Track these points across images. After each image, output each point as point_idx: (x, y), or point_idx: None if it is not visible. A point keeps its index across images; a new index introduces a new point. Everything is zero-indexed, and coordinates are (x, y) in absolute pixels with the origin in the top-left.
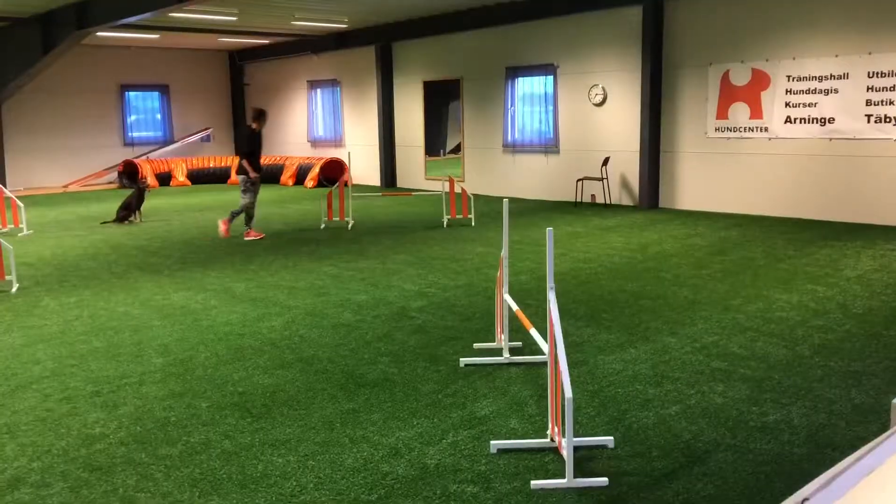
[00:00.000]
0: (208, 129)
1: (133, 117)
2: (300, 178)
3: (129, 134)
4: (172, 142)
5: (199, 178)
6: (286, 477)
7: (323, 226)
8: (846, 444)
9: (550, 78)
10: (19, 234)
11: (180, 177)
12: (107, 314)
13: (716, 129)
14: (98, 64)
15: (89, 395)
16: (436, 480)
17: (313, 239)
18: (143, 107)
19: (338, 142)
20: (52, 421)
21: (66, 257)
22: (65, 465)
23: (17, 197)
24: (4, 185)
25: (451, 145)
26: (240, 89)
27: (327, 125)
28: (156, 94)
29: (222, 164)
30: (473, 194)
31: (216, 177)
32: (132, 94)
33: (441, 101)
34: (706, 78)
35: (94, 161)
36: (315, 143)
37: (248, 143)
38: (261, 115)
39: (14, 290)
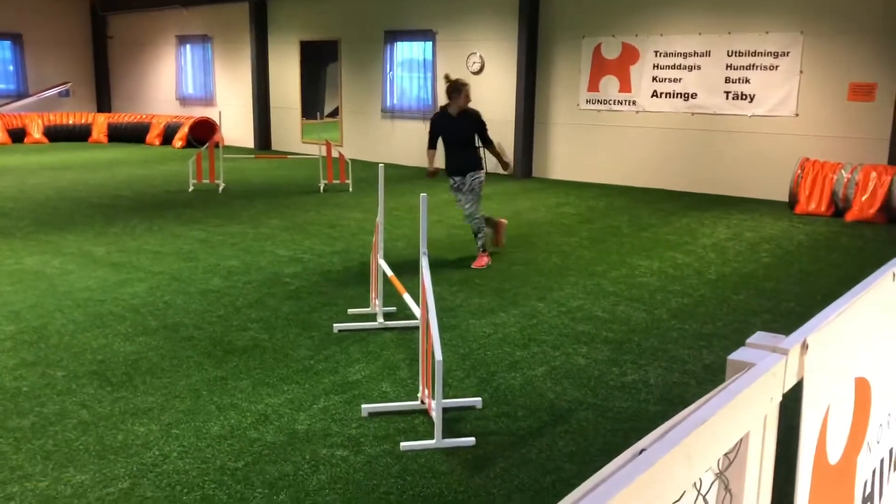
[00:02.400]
0: (67, 83)
1: None
2: (168, 137)
3: None
4: (27, 96)
5: (58, 135)
6: (148, 446)
7: (191, 188)
8: (696, 400)
9: (429, 44)
10: None
11: (36, 134)
12: None
13: (587, 101)
14: None
15: None
16: (305, 445)
17: (181, 202)
18: None
19: (208, 100)
20: None
21: None
22: None
23: None
24: None
25: (328, 108)
26: (102, 42)
27: (197, 83)
28: (6, 42)
29: (83, 122)
30: (351, 159)
31: (77, 134)
32: None
33: (319, 62)
34: (579, 50)
35: None
36: (184, 101)
37: (476, 126)
38: (459, 89)
39: None
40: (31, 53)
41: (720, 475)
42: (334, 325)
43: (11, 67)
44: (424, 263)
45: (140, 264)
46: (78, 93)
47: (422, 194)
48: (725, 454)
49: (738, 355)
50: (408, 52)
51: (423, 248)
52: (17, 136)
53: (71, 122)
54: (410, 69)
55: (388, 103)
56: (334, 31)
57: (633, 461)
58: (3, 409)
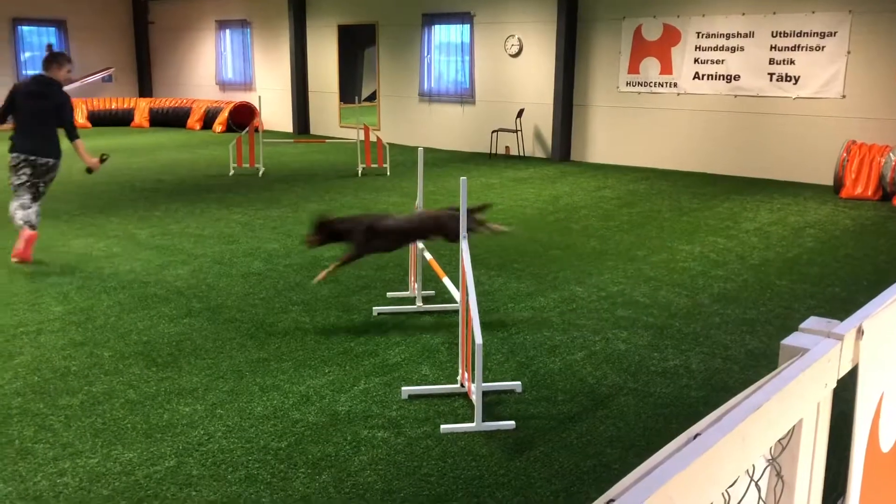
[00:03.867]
0: (110, 68)
1: (27, 54)
2: (208, 122)
3: (24, 72)
4: (71, 81)
5: (101, 120)
6: (193, 426)
7: (232, 172)
8: (739, 387)
9: (467, 27)
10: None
11: (80, 119)
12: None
13: (627, 84)
14: None
15: None
16: (346, 427)
17: (222, 186)
18: (39, 43)
19: (248, 85)
20: None
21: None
22: None
23: None
24: None
25: (366, 93)
26: (144, 28)
27: (237, 68)
28: (52, 29)
29: (126, 107)
30: (389, 143)
31: (119, 119)
32: (25, 28)
33: (357, 46)
34: (619, 32)
35: None
36: (224, 86)
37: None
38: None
39: None
40: (74, 39)
41: (773, 462)
42: (373, 308)
43: None
44: (464, 247)
45: (183, 247)
46: (120, 78)
47: (461, 178)
48: (778, 440)
49: (791, 340)
50: (445, 35)
51: (462, 232)
52: None
53: (114, 107)
54: (448, 52)
55: (426, 87)
56: (372, 14)
57: (687, 445)
58: (54, 387)
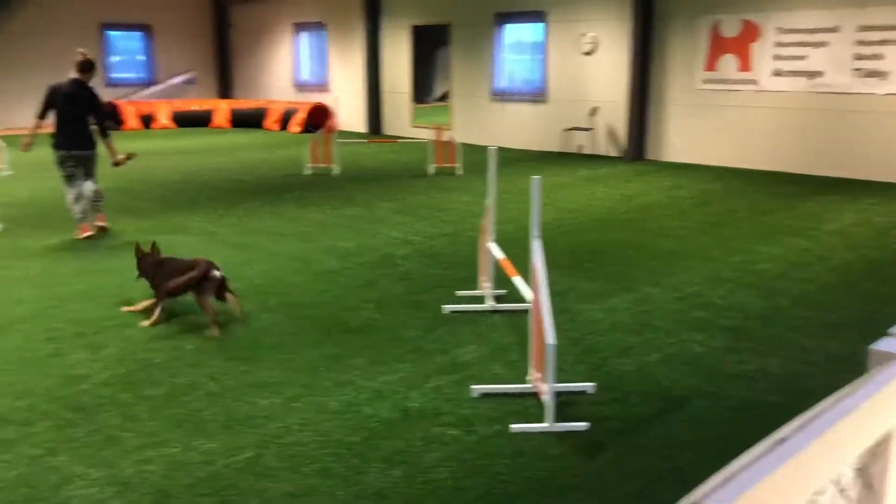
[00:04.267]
0: (192, 71)
1: (115, 58)
2: (285, 122)
3: (111, 75)
4: (156, 84)
5: (184, 120)
6: (271, 418)
7: (308, 172)
8: (821, 392)
9: (541, 25)
10: (1, 175)
11: (163, 119)
12: (91, 257)
13: (704, 81)
14: (77, 3)
15: (72, 336)
16: (418, 423)
17: (298, 185)
18: (125, 47)
19: (323, 86)
20: (36, 361)
21: (46, 198)
22: (49, 405)
23: None
24: None
25: (438, 92)
26: (224, 31)
27: (313, 69)
28: (138, 34)
29: (206, 108)
30: (460, 143)
31: (200, 120)
32: (113, 33)
33: (429, 46)
34: (696, 29)
35: None
36: (300, 87)
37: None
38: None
39: None
40: (160, 44)
41: (862, 471)
42: (444, 306)
43: (143, 57)
44: (537, 246)
45: (260, 245)
46: (202, 80)
47: (534, 177)
48: (868, 448)
49: (882, 345)
50: (518, 33)
51: (535, 231)
52: (147, 121)
53: (195, 108)
54: (521, 51)
55: (498, 86)
56: (445, 14)
57: (774, 451)
58: (139, 378)
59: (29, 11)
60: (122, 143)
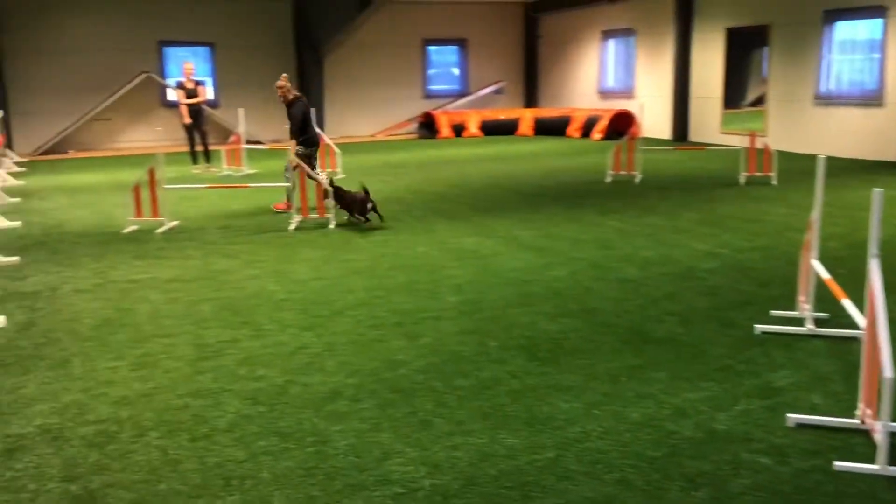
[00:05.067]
0: (501, 81)
1: (433, 70)
2: (587, 130)
3: (429, 87)
4: (467, 94)
5: (491, 129)
6: (571, 422)
7: (609, 179)
8: None
9: (879, 21)
10: (335, 178)
11: (473, 128)
12: (408, 253)
13: None
14: (404, 20)
15: (393, 324)
16: (725, 446)
17: (598, 192)
18: (442, 61)
19: (628, 93)
20: (363, 344)
21: (374, 199)
22: (374, 385)
23: (334, 144)
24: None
25: (752, 97)
26: (533, 42)
27: (619, 76)
28: (454, 47)
29: (513, 117)
30: (777, 150)
31: (506, 128)
32: (433, 48)
33: (743, 49)
34: None
35: (397, 112)
36: (604, 94)
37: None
38: None
39: (332, 226)
40: (473, 56)
41: None
42: (755, 325)
43: (457, 70)
44: (875, 266)
45: (561, 250)
46: (509, 90)
47: (875, 189)
48: None
49: None
50: (850, 31)
51: (873, 250)
52: (458, 130)
53: (502, 117)
54: (852, 51)
55: (824, 89)
56: (765, 15)
57: None
58: (449, 369)
59: (367, 26)
60: (435, 152)
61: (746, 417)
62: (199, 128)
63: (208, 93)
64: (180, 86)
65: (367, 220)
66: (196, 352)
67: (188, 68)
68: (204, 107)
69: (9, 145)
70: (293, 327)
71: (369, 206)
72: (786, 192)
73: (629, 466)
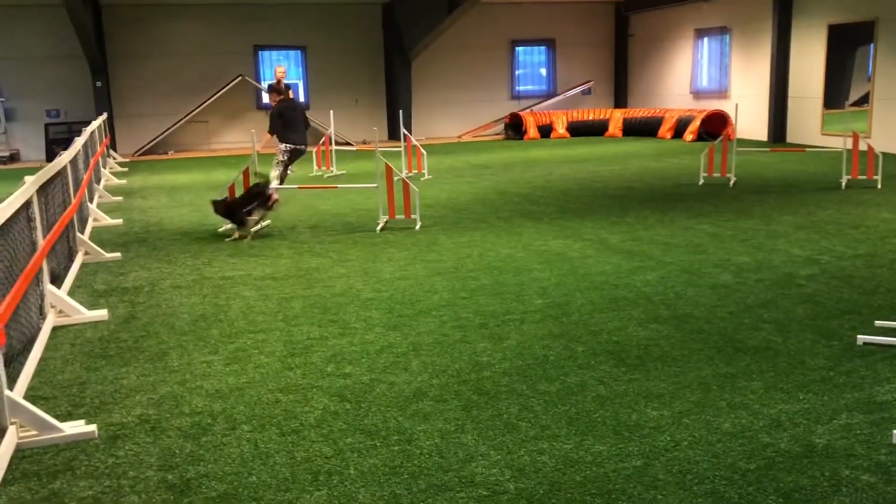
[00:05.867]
0: (589, 81)
1: (520, 71)
2: (679, 131)
3: (516, 88)
4: (555, 95)
5: (578, 130)
6: (660, 430)
7: (702, 182)
8: None
9: None
10: (421, 179)
11: (560, 129)
12: (493, 255)
13: None
14: (492, 21)
15: (478, 326)
16: (824, 461)
17: (690, 195)
18: (530, 61)
19: (722, 93)
20: (448, 345)
21: (459, 201)
22: (458, 386)
23: (420, 145)
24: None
25: (855, 96)
26: (623, 41)
27: (712, 75)
28: (542, 48)
29: (601, 117)
30: (882, 152)
31: (595, 129)
32: (521, 49)
33: (846, 46)
34: None
35: (484, 113)
36: (697, 94)
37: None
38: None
39: (417, 227)
40: (561, 56)
41: None
42: (858, 336)
43: (543, 70)
44: None
45: (651, 254)
46: (598, 90)
47: None
48: None
49: None
50: None
51: None
52: (545, 131)
53: (590, 117)
54: None
55: None
56: (871, 10)
57: None
58: (535, 373)
59: (455, 28)
60: (522, 153)
61: (847, 432)
62: None
63: (299, 95)
64: (272, 88)
65: (246, 223)
66: (286, 348)
67: (280, 71)
68: None
69: (112, 146)
70: (379, 326)
71: (247, 209)
72: (891, 196)
73: (721, 478)
